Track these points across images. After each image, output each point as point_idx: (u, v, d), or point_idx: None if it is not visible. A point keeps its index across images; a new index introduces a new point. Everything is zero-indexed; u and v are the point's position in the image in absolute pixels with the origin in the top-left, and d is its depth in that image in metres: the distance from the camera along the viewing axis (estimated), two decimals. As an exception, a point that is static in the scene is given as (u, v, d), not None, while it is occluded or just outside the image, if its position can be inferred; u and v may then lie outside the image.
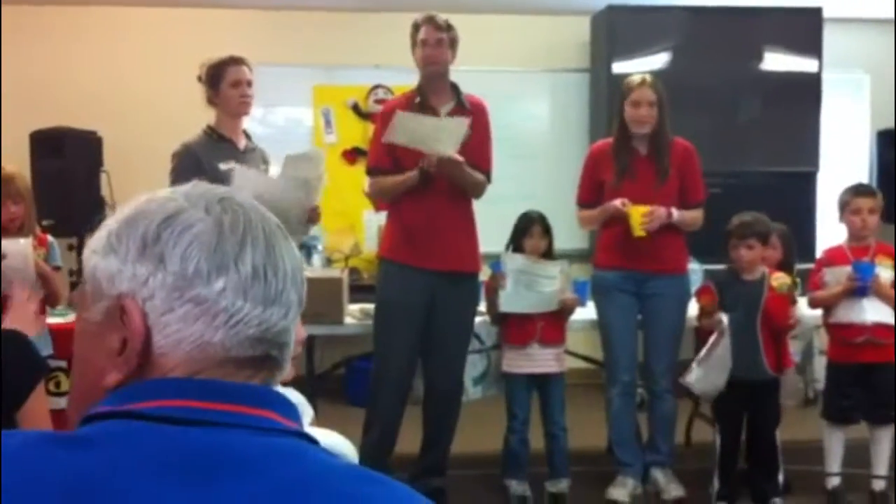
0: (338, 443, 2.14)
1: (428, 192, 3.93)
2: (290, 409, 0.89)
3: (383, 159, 4.03)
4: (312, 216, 3.92)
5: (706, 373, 4.01)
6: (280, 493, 0.79)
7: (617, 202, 4.11)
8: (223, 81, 3.88)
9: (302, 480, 0.81)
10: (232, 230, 0.87)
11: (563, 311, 4.24)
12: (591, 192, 4.29)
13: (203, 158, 3.79)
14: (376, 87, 6.38)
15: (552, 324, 4.24)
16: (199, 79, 3.94)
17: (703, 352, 4.05)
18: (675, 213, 4.13)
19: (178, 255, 0.86)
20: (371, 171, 4.13)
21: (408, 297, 3.98)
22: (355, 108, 6.42)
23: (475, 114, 4.01)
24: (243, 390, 0.86)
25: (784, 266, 4.32)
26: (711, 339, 4.04)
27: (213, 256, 0.86)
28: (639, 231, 4.06)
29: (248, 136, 4.06)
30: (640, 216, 4.06)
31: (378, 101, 6.26)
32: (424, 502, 0.87)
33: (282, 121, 6.30)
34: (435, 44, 3.98)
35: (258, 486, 0.79)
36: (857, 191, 4.28)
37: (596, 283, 4.33)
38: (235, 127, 3.99)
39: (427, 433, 4.18)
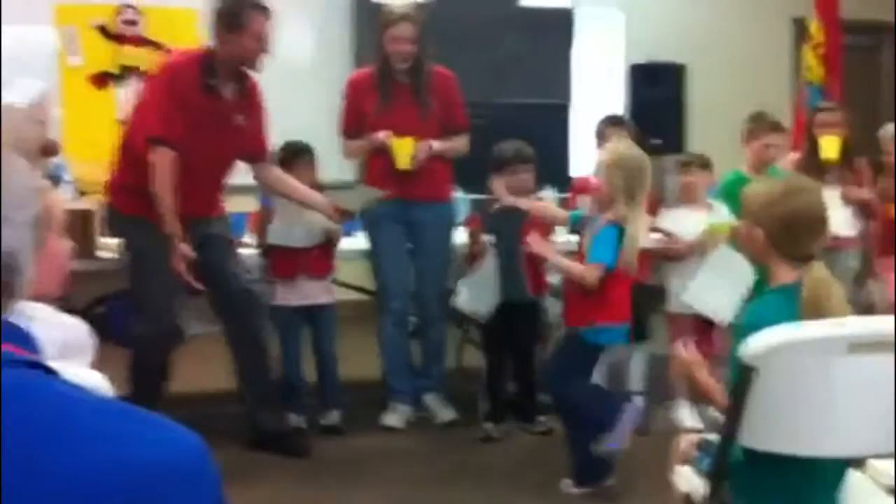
0: (88, 378, 1.98)
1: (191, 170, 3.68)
2: (25, 339, 0.83)
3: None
4: (49, 149, 3.68)
5: (475, 293, 4.10)
6: (11, 428, 0.73)
7: (381, 135, 4.12)
8: None
9: (36, 414, 0.75)
10: None
11: (330, 243, 4.20)
12: (354, 123, 4.26)
13: None
14: (124, 6, 5.97)
15: (319, 256, 4.20)
16: None
17: (469, 273, 4.14)
18: (435, 144, 4.18)
19: None
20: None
21: (162, 245, 3.66)
22: (103, 30, 5.99)
23: (254, 96, 3.89)
24: None
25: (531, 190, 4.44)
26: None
27: None
28: (402, 164, 4.10)
29: None
30: (402, 149, 4.10)
31: (127, 22, 5.89)
32: (179, 432, 0.82)
33: (21, 42, 5.76)
34: None
35: None
36: (610, 121, 4.50)
37: (365, 212, 4.31)
38: None
39: None
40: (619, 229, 3.43)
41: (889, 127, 4.76)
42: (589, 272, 3.46)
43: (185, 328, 3.89)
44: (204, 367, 4.42)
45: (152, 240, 3.66)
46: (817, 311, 2.20)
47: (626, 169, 3.43)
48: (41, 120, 3.69)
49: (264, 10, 3.71)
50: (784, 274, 2.30)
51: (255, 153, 3.92)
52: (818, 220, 2.32)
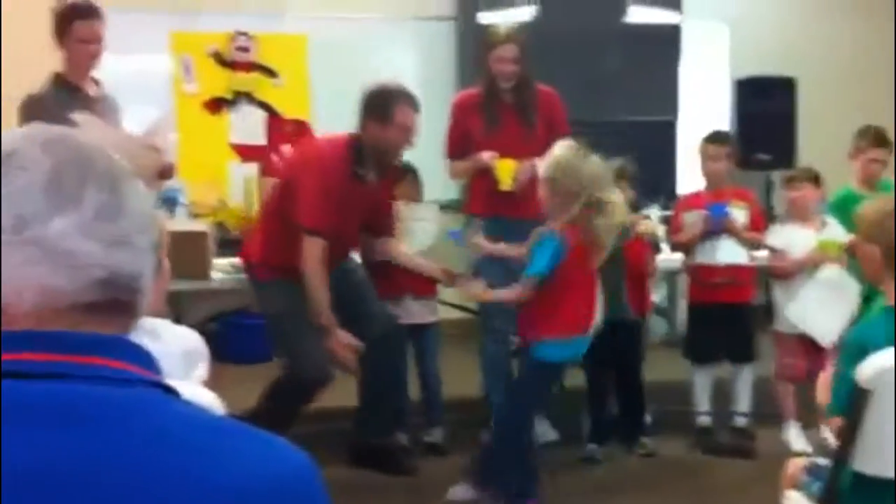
0: (202, 396, 2.06)
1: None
2: (145, 358, 0.85)
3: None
4: (166, 172, 3.83)
5: None
6: (123, 445, 0.76)
7: (486, 155, 4.13)
8: (70, 36, 3.73)
9: (153, 430, 0.78)
10: (73, 168, 0.83)
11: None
12: (459, 144, 4.29)
13: (52, 109, 3.61)
14: (237, 33, 6.17)
15: (425, 276, 4.23)
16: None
17: None
18: (540, 163, 4.16)
19: (14, 195, 0.80)
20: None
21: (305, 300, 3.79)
22: (216, 57, 6.19)
23: (392, 176, 4.10)
24: (92, 340, 0.82)
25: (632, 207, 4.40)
26: None
27: (52, 195, 0.81)
28: (504, 185, 4.11)
29: (97, 83, 3.93)
30: (504, 170, 4.10)
31: (240, 49, 6.07)
32: (288, 450, 0.84)
33: (138, 68, 6.01)
34: None
35: (101, 439, 0.76)
36: (710, 138, 4.42)
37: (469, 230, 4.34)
38: (84, 74, 3.85)
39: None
40: (558, 241, 3.36)
41: None
42: (518, 291, 3.43)
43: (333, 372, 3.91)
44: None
45: (295, 298, 3.75)
46: None
47: (567, 171, 3.37)
48: (158, 147, 3.84)
49: (413, 103, 3.82)
50: None
51: (385, 229, 4.07)
52: None
